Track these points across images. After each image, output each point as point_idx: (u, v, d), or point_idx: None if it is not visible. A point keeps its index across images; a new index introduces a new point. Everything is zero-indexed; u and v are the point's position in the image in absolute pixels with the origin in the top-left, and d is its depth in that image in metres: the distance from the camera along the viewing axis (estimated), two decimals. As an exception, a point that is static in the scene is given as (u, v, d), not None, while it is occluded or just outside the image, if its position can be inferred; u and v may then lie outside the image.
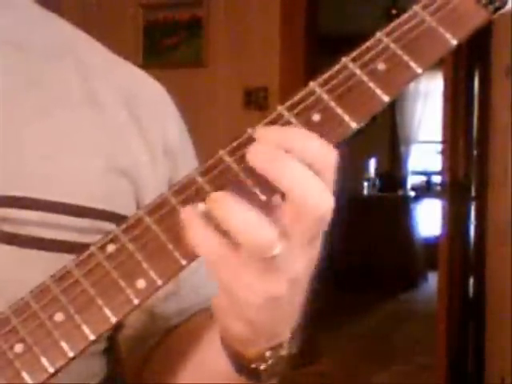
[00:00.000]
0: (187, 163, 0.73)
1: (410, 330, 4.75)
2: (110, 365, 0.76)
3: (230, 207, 0.50)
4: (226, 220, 0.50)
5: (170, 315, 0.75)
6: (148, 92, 0.78)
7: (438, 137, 4.04)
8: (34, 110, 0.69)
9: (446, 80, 3.39)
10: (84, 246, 0.53)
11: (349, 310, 5.08)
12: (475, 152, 3.24)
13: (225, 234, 0.50)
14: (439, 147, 4.51)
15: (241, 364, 0.59)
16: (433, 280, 3.47)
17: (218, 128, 3.59)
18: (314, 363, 3.99)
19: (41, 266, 0.58)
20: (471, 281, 3.28)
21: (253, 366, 0.59)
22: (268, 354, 0.58)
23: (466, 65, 3.24)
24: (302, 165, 0.50)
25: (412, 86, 7.21)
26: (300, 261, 0.52)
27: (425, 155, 7.29)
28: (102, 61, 0.77)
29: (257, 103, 3.67)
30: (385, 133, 7.42)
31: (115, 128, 0.72)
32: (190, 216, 0.51)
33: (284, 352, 0.58)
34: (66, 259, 0.53)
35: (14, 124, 0.68)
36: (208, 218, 0.51)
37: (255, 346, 0.58)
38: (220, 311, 0.58)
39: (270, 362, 0.58)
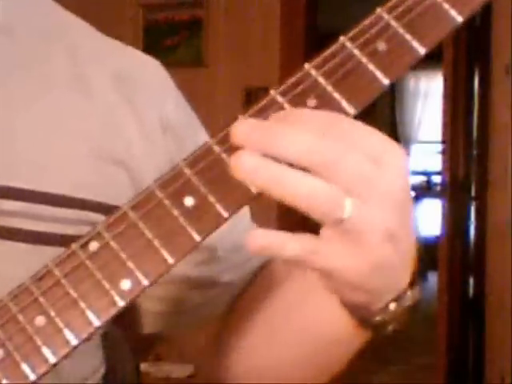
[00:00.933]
0: (193, 137, 0.69)
1: (409, 330, 4.74)
2: (107, 360, 0.76)
3: (281, 171, 0.47)
4: (280, 190, 0.47)
5: (221, 280, 0.72)
6: (143, 70, 0.75)
7: (438, 137, 4.03)
8: (22, 97, 0.67)
9: (445, 80, 3.38)
10: (71, 239, 0.51)
11: (349, 309, 5.07)
12: (475, 152, 3.24)
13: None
14: (439, 147, 4.50)
15: (364, 318, 0.57)
16: (433, 280, 3.47)
17: (218, 128, 3.59)
18: (314, 363, 3.98)
19: (24, 260, 0.56)
20: (471, 281, 3.27)
21: (377, 318, 0.57)
22: (392, 306, 0.56)
23: (466, 64, 3.24)
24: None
25: (412, 85, 7.21)
26: (385, 216, 0.49)
27: (425, 155, 7.28)
28: (94, 43, 0.74)
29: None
30: (385, 133, 7.39)
31: (106, 114, 0.70)
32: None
33: (408, 302, 0.56)
34: (51, 252, 0.51)
35: (2, 111, 0.66)
36: None
37: (378, 303, 0.56)
38: (331, 291, 0.56)
39: (395, 313, 0.56)
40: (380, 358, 4.13)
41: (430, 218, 5.93)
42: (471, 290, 3.27)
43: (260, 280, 0.72)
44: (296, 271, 0.64)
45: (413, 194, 0.53)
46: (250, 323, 0.69)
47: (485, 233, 3.14)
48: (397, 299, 0.56)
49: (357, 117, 0.51)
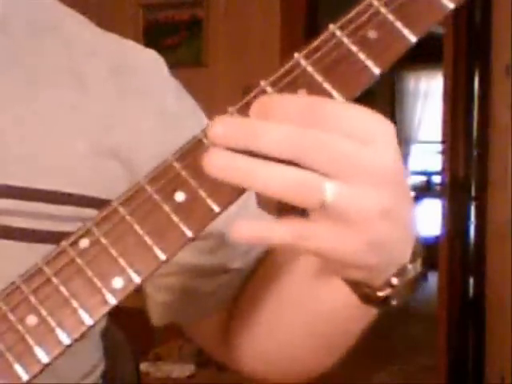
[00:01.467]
0: (196, 126, 0.69)
1: (409, 330, 4.74)
2: (107, 360, 0.75)
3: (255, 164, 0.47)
4: (262, 183, 0.47)
5: (229, 267, 0.72)
6: (139, 62, 0.74)
7: (438, 137, 4.03)
8: (17, 93, 0.66)
9: (445, 79, 3.38)
10: (66, 235, 0.50)
11: (349, 309, 5.06)
12: (475, 152, 3.23)
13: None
14: (439, 147, 4.50)
15: (367, 294, 0.57)
16: (433, 280, 3.47)
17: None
18: (313, 363, 3.97)
19: (21, 259, 0.54)
20: (471, 281, 3.27)
21: (380, 294, 0.56)
22: (394, 280, 0.55)
23: (466, 64, 3.24)
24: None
25: (412, 85, 7.20)
26: (376, 194, 0.48)
27: (425, 155, 7.28)
28: (89, 36, 0.73)
29: (257, 103, 3.66)
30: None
31: (103, 107, 0.69)
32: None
33: (410, 274, 0.55)
34: (48, 250, 0.50)
35: None
36: None
37: (379, 279, 0.55)
38: (329, 270, 0.56)
39: (397, 287, 0.56)
40: (380, 358, 4.13)
41: (430, 218, 5.93)
42: (471, 290, 3.27)
43: (267, 264, 0.72)
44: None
45: (413, 193, 0.53)
46: (260, 307, 0.69)
47: (485, 233, 3.14)
48: (399, 273, 0.55)
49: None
